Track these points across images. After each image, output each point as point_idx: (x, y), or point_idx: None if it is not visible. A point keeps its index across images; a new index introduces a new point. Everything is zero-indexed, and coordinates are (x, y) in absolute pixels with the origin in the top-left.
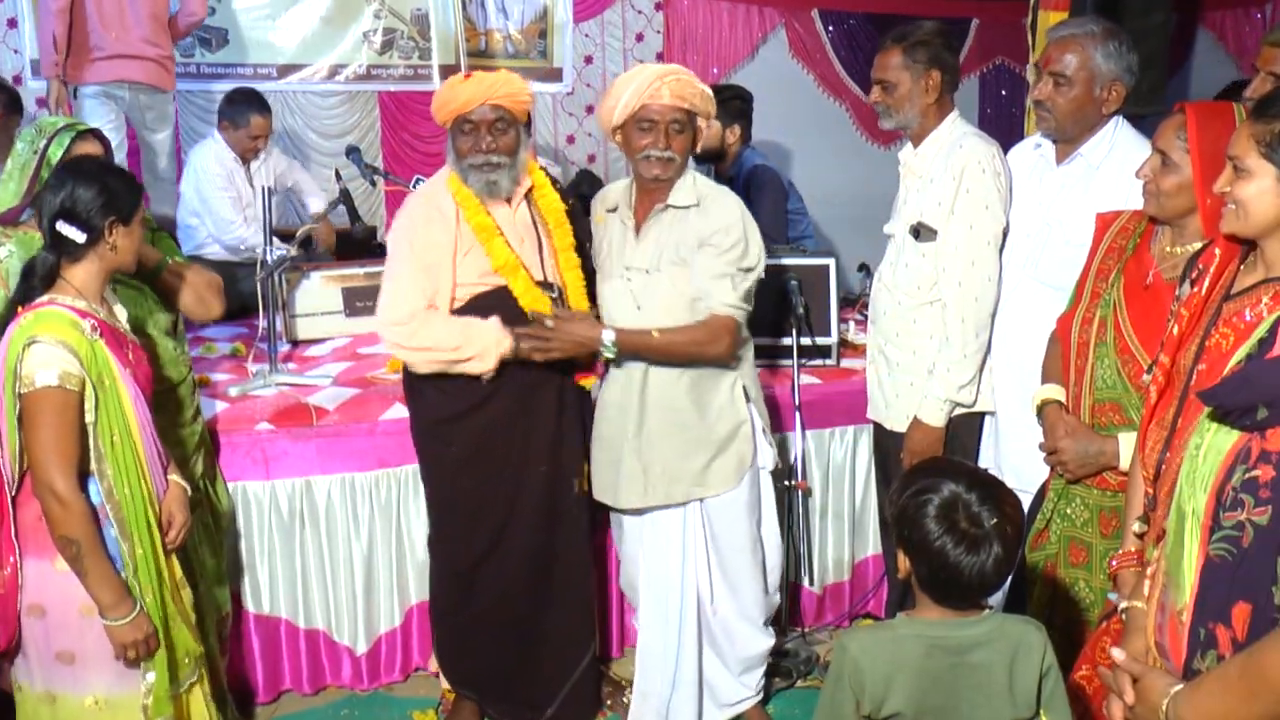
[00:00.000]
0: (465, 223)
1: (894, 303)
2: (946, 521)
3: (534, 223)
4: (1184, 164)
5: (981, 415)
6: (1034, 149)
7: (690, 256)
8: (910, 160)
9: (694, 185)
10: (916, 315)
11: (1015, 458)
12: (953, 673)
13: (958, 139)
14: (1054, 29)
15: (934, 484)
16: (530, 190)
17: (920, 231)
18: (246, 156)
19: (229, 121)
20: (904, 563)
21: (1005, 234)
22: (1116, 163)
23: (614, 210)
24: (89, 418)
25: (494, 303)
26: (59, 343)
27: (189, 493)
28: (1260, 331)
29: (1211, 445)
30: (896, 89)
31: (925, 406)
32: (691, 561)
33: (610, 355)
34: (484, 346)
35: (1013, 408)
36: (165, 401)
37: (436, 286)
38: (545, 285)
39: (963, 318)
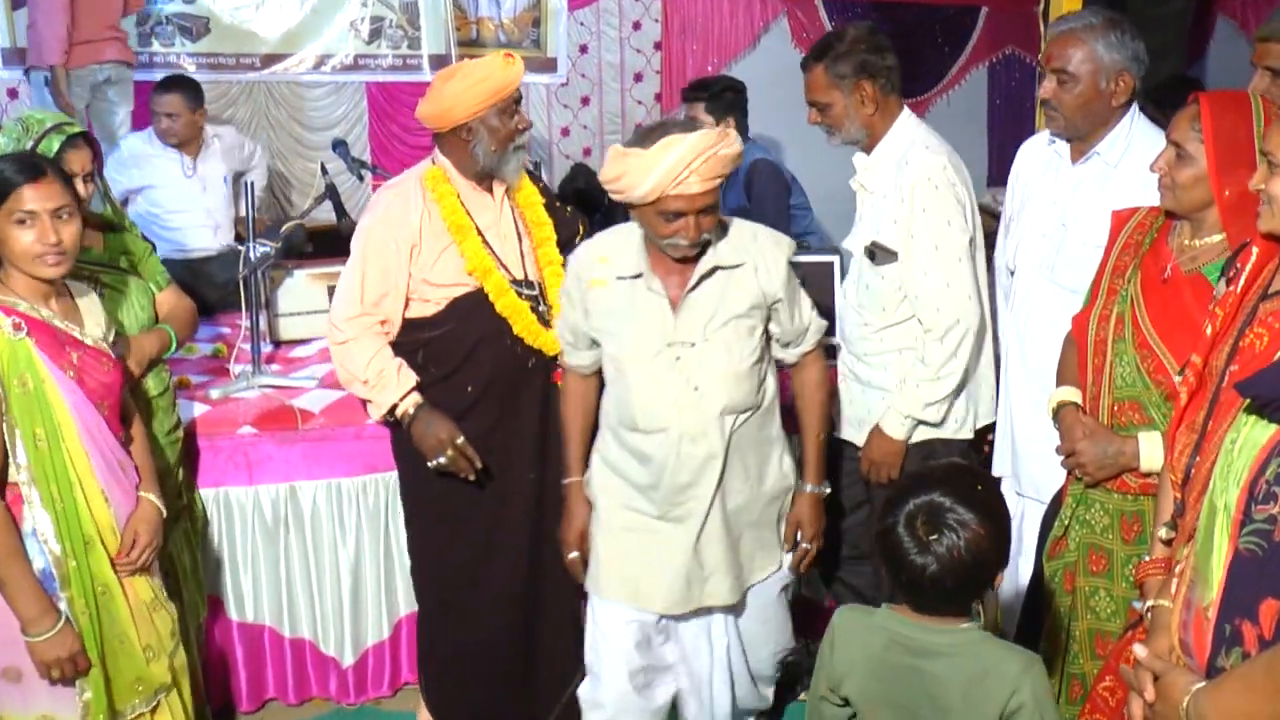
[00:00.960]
0: (441, 220)
1: (861, 323)
2: (908, 521)
3: (514, 218)
4: (1199, 156)
5: (966, 441)
6: (1048, 144)
7: (744, 312)
8: (862, 172)
9: (734, 235)
10: (884, 335)
11: (1035, 468)
12: (910, 674)
13: (904, 152)
14: (1054, 24)
15: (916, 489)
16: (508, 190)
17: (876, 253)
18: (167, 139)
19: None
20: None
21: (973, 242)
22: (1134, 160)
23: (633, 277)
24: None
25: (471, 306)
26: None
27: (163, 514)
28: None
29: (1248, 439)
30: (831, 109)
31: (887, 417)
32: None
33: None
34: (384, 400)
35: (1030, 416)
36: (146, 413)
37: (389, 289)
38: (525, 284)
39: (941, 338)
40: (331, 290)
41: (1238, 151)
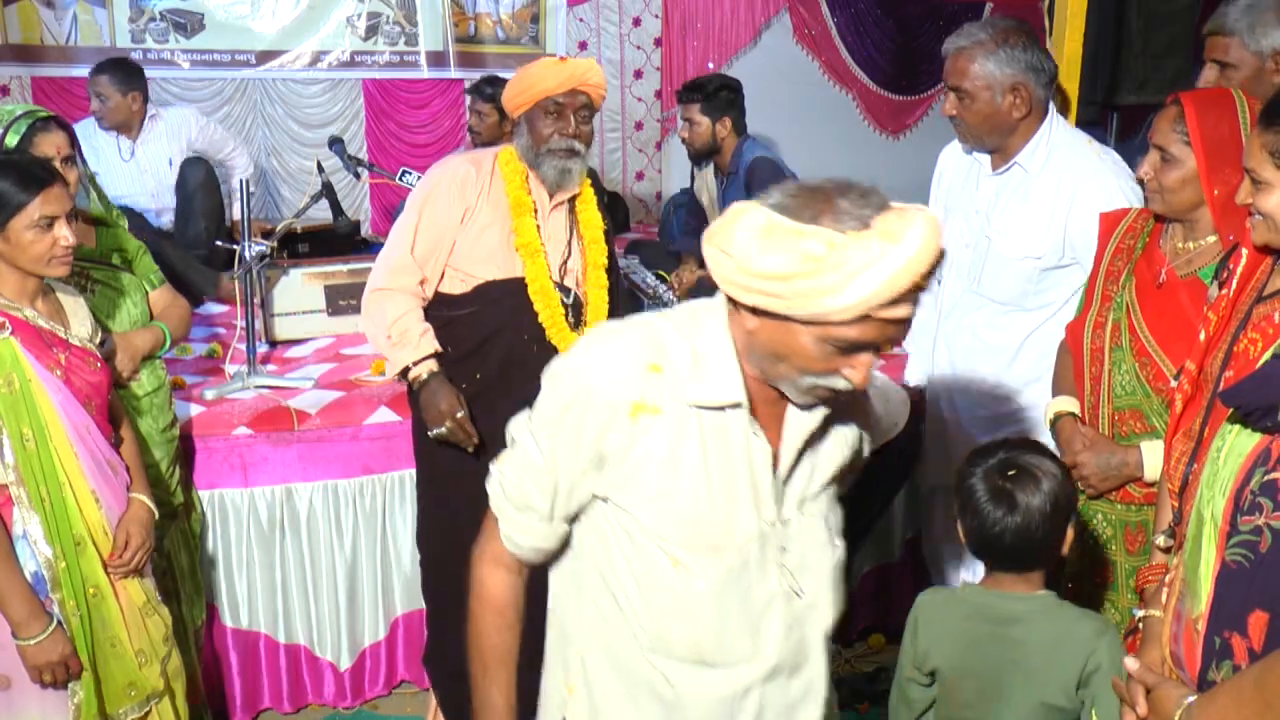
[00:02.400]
0: (502, 195)
1: None
2: (988, 482)
3: (569, 229)
4: (1185, 157)
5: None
6: (966, 151)
7: (836, 473)
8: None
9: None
10: None
11: None
12: (992, 642)
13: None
14: (949, 41)
15: (989, 452)
16: (574, 198)
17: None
18: (101, 123)
19: None
20: (960, 526)
21: None
22: (1055, 168)
23: (726, 407)
24: None
25: (500, 294)
26: None
27: (155, 515)
28: None
29: (1233, 448)
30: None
31: None
32: None
33: None
34: (400, 359)
35: (957, 422)
36: (143, 411)
37: (437, 247)
38: (560, 287)
39: None
40: (328, 290)
41: (1225, 150)
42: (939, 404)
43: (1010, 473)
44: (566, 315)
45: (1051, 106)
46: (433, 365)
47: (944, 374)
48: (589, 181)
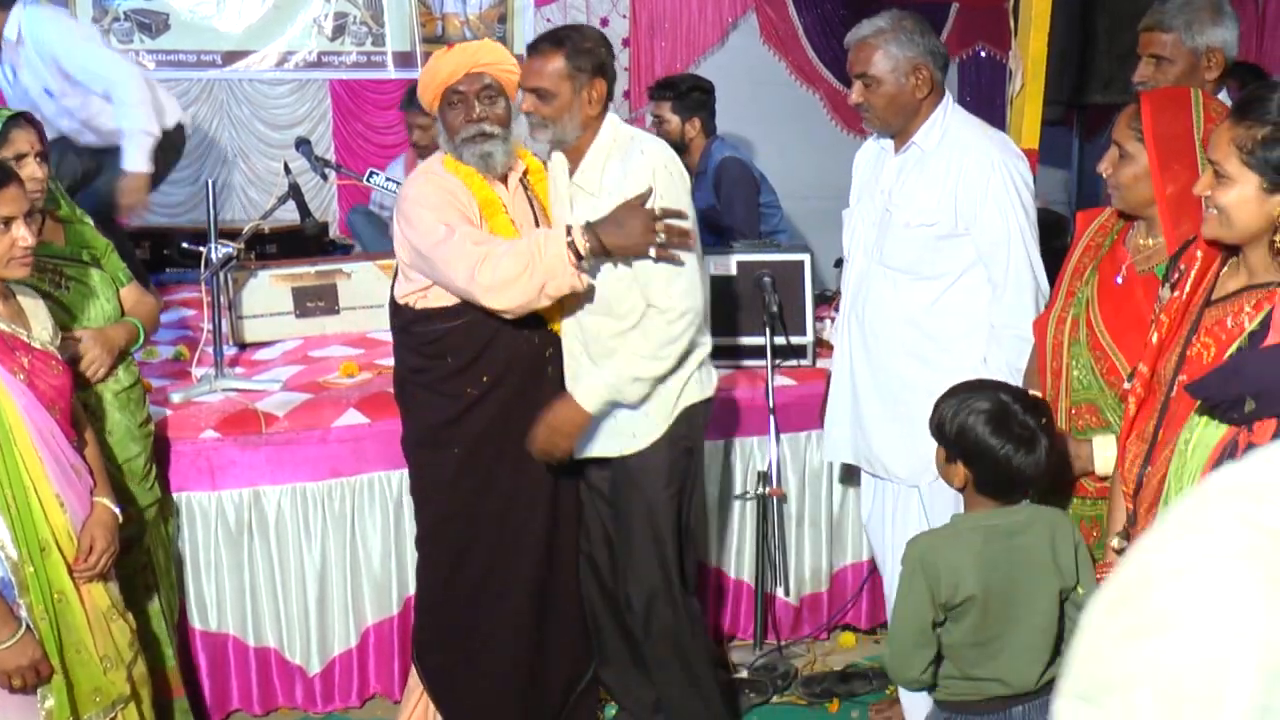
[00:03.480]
0: (471, 199)
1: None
2: (1003, 429)
3: (531, 206)
4: (1139, 154)
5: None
6: (875, 140)
7: None
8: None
9: None
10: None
11: (884, 451)
12: (1008, 555)
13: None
14: (851, 34)
15: (976, 397)
16: (525, 174)
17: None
18: None
19: None
20: (960, 472)
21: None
22: (949, 144)
23: None
24: None
25: None
26: None
27: (118, 519)
28: (1253, 325)
29: (1200, 440)
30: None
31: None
32: None
33: None
34: (559, 249)
35: (874, 399)
36: (120, 407)
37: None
38: None
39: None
40: (295, 292)
41: (1176, 148)
42: (848, 375)
43: (1025, 419)
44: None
45: (947, 91)
46: (580, 226)
47: (854, 346)
48: (529, 153)
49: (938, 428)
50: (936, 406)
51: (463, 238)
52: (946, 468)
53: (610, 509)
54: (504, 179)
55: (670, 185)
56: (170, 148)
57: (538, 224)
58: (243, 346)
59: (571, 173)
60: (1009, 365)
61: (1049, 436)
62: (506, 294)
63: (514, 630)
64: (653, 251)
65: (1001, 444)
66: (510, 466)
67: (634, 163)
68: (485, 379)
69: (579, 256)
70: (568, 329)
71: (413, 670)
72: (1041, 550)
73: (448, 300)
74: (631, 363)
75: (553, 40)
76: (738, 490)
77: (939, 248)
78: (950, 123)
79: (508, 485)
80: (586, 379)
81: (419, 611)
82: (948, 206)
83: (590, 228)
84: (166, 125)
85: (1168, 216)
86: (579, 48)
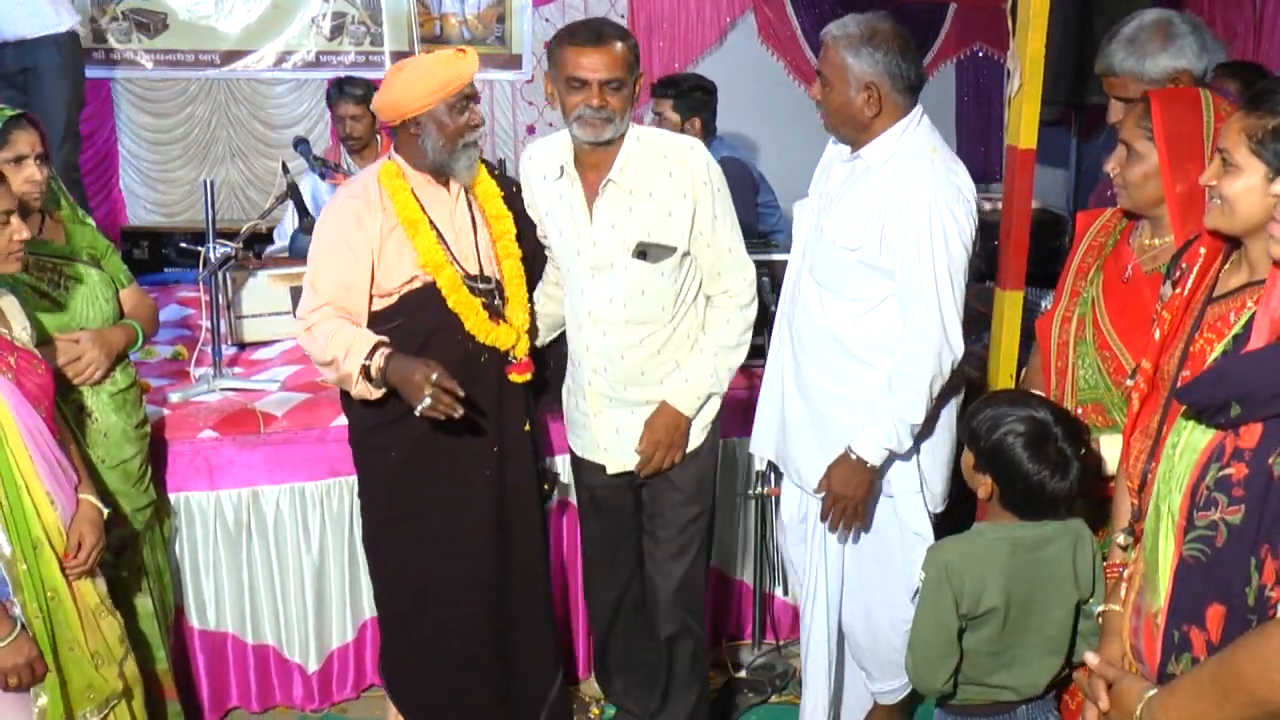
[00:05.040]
0: (395, 215)
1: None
2: (1040, 455)
3: (470, 211)
4: (1148, 153)
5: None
6: (834, 143)
7: None
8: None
9: None
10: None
11: (799, 456)
12: (1032, 567)
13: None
14: (828, 26)
15: (1017, 414)
16: (473, 183)
17: (649, 251)
18: None
19: None
20: (987, 484)
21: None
22: (895, 166)
23: None
24: None
25: (424, 299)
26: None
27: (103, 515)
28: (1236, 328)
29: (1188, 444)
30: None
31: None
32: None
33: None
34: (354, 365)
35: (798, 404)
36: (116, 409)
37: (348, 288)
38: (480, 278)
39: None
40: (294, 291)
41: (1187, 148)
42: (778, 375)
43: (1063, 445)
44: (494, 303)
45: (916, 113)
46: (385, 350)
47: (783, 347)
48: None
49: (970, 435)
50: (972, 412)
51: (308, 294)
52: (973, 475)
53: (649, 521)
54: (446, 185)
55: (713, 194)
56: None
57: (476, 233)
58: (241, 346)
59: (594, 176)
60: (896, 418)
61: (1083, 461)
62: (313, 357)
63: (470, 643)
64: (419, 409)
65: (1037, 470)
66: (450, 474)
67: (675, 165)
68: None
69: (368, 378)
70: (603, 351)
71: None
72: (1064, 563)
73: (381, 304)
74: (723, 355)
75: (617, 31)
76: (737, 490)
77: (861, 272)
78: (904, 146)
79: (448, 493)
80: (672, 382)
81: (380, 622)
82: (873, 235)
83: (385, 358)
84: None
85: (1177, 215)
86: (631, 40)
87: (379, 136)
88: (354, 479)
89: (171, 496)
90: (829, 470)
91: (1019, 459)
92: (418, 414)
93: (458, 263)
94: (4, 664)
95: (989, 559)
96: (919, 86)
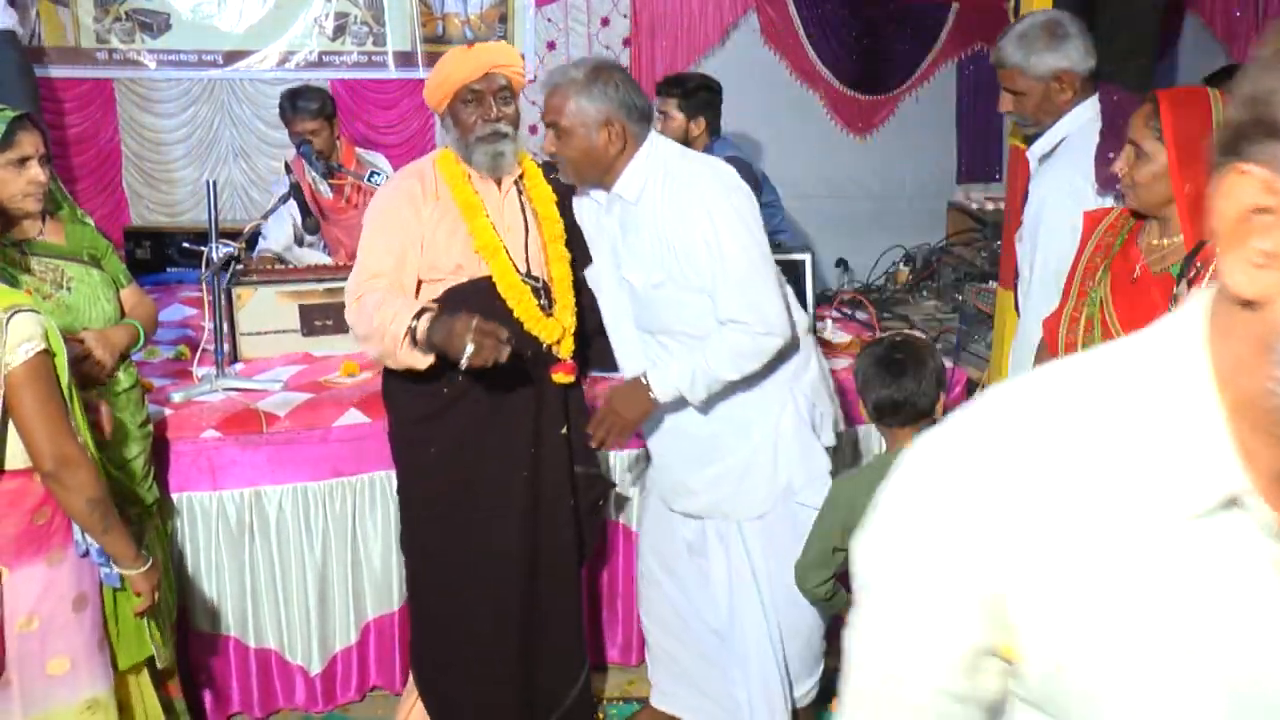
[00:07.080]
0: (451, 201)
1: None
2: (882, 363)
3: (522, 211)
4: (1157, 153)
5: None
6: (586, 194)
7: None
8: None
9: None
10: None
11: (663, 480)
12: None
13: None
14: (544, 79)
15: (872, 347)
16: (520, 178)
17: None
18: None
19: None
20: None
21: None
22: (651, 195)
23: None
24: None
25: (469, 294)
26: (32, 308)
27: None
28: None
29: None
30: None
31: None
32: None
33: None
34: (400, 330)
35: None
36: (120, 409)
37: (401, 258)
38: (529, 276)
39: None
40: (303, 310)
41: (1196, 147)
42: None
43: (897, 355)
44: (540, 302)
45: (652, 136)
46: (429, 314)
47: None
48: (528, 157)
49: (858, 390)
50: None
51: (357, 269)
52: (874, 425)
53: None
54: (499, 182)
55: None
56: None
57: (528, 229)
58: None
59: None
60: (700, 368)
61: (920, 365)
62: (358, 332)
63: (498, 637)
64: (464, 360)
65: (881, 376)
66: (486, 473)
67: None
68: (460, 376)
69: (414, 341)
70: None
71: None
72: None
73: (425, 294)
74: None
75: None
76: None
77: (685, 303)
78: (653, 169)
79: (486, 491)
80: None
81: (411, 614)
82: (670, 261)
83: (431, 322)
84: None
85: (1186, 216)
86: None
87: (339, 143)
88: (357, 479)
89: (174, 496)
90: (613, 388)
91: (869, 375)
92: (463, 366)
93: (510, 254)
94: (145, 585)
95: (864, 484)
96: (650, 115)
